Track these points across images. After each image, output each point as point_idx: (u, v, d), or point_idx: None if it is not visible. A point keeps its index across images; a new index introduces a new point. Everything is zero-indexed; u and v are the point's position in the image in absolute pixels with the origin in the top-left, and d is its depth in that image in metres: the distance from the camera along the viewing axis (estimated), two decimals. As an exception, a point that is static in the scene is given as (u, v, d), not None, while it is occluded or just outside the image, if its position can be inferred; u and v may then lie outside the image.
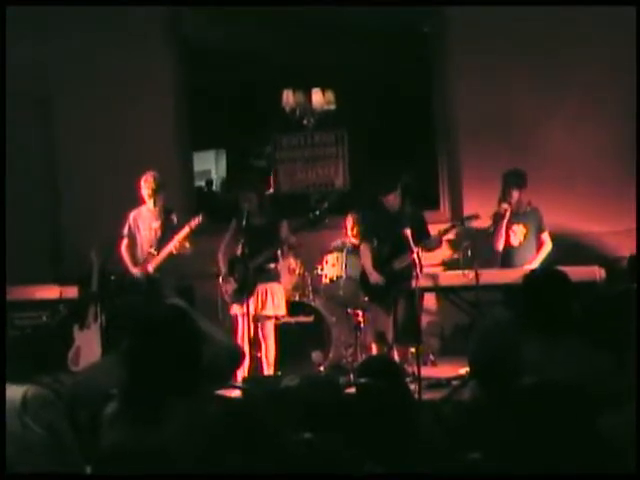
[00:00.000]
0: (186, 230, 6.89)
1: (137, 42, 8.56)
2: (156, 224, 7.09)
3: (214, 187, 10.06)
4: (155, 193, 7.02)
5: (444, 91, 8.34)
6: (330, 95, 8.65)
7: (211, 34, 8.83)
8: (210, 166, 9.34)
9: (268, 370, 6.77)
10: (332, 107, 8.64)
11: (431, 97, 8.45)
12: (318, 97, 8.61)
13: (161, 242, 7.01)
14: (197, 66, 8.72)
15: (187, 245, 6.95)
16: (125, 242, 7.16)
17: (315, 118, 8.65)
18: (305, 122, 8.66)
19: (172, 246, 6.88)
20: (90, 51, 8.54)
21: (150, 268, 6.97)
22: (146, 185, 7.02)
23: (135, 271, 7.02)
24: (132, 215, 7.18)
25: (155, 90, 8.69)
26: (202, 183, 9.32)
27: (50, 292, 6.83)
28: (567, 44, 7.89)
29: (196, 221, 6.86)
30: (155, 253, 6.97)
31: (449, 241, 7.44)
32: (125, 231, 7.17)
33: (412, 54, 8.50)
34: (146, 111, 8.62)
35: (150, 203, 7.07)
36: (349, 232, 7.65)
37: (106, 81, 8.56)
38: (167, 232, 7.02)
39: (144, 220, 7.14)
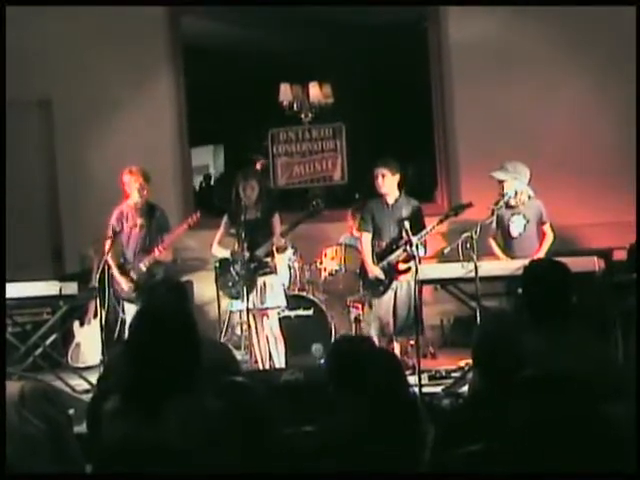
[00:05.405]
0: (184, 227, 6.71)
1: (136, 39, 8.54)
2: (140, 221, 6.84)
3: (212, 182, 10.04)
4: (143, 187, 6.77)
5: (442, 83, 8.34)
6: (328, 89, 8.62)
7: (209, 29, 8.81)
8: (208, 161, 9.34)
9: (279, 363, 6.62)
10: (330, 101, 8.62)
11: (429, 89, 8.42)
12: (315, 91, 8.58)
13: (147, 240, 6.79)
14: (194, 61, 8.69)
15: (170, 255, 6.81)
16: (108, 244, 6.80)
17: (313, 112, 8.63)
18: (302, 116, 8.64)
19: (162, 247, 6.65)
20: (89, 49, 8.53)
21: (143, 267, 6.74)
22: (134, 178, 6.75)
23: (127, 285, 6.72)
24: (114, 215, 6.89)
25: (153, 86, 8.68)
26: (200, 178, 9.30)
27: (50, 288, 6.78)
28: (567, 40, 7.97)
29: (194, 218, 6.65)
30: (145, 267, 6.69)
31: (448, 232, 7.43)
32: (109, 233, 6.83)
33: (411, 47, 8.46)
34: (144, 107, 8.62)
35: (136, 197, 6.77)
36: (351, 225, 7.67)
37: (105, 80, 8.54)
38: (153, 229, 6.79)
39: (127, 218, 6.87)
